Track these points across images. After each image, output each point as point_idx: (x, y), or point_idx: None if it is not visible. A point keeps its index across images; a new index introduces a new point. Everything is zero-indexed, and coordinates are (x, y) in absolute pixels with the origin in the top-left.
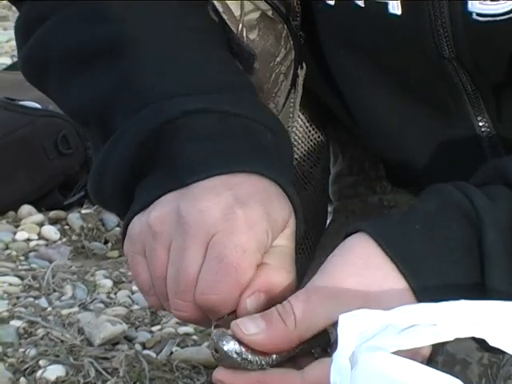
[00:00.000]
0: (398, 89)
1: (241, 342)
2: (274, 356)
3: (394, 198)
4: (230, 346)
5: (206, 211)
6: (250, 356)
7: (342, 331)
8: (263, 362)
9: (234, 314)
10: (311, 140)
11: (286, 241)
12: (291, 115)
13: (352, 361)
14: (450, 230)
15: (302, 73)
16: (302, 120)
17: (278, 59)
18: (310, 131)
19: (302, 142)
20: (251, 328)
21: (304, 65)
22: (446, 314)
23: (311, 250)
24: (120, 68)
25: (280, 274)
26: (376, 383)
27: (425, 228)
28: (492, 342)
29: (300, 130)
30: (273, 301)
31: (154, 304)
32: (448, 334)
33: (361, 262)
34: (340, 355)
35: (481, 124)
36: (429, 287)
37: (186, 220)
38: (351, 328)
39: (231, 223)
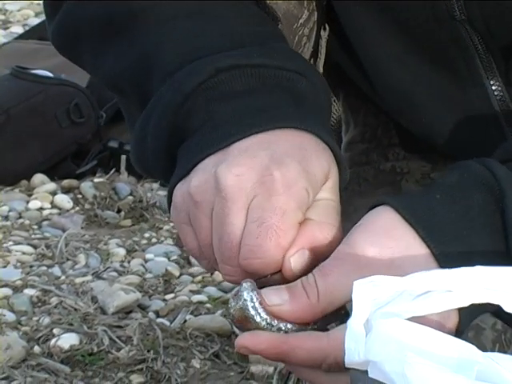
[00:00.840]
0: (412, 50)
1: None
2: (298, 325)
3: (406, 164)
4: (257, 311)
5: (243, 176)
6: (274, 321)
7: (356, 298)
8: (286, 328)
9: (279, 273)
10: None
11: (328, 193)
12: None
13: (366, 327)
14: (471, 199)
15: (324, 34)
16: None
17: (301, 21)
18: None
19: None
20: (275, 299)
21: (327, 26)
22: (461, 280)
23: None
24: (152, 33)
25: (324, 229)
26: (390, 349)
27: (446, 197)
28: (507, 308)
29: None
30: (319, 256)
31: (207, 267)
32: (463, 300)
33: (383, 232)
34: (354, 322)
35: (494, 88)
36: (451, 254)
37: (223, 186)
38: (365, 295)
39: (268, 185)
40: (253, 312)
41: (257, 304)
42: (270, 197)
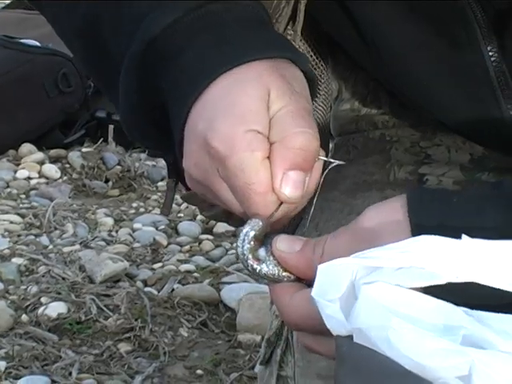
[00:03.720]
0: (410, 13)
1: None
2: (293, 277)
3: (396, 132)
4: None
5: (197, 162)
6: (264, 267)
7: (319, 282)
8: (288, 279)
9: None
10: (314, 69)
11: (276, 104)
12: (292, 42)
13: (348, 300)
14: (488, 211)
15: None
16: (302, 49)
17: None
18: (313, 60)
19: None
20: (284, 246)
21: None
22: (444, 254)
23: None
24: None
25: (289, 142)
26: (375, 315)
27: (460, 201)
28: (493, 285)
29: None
30: (308, 165)
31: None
32: (444, 277)
33: (385, 213)
34: (324, 304)
35: (490, 54)
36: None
37: (193, 177)
38: (334, 275)
39: (217, 157)
40: (239, 243)
41: (246, 239)
42: (224, 164)
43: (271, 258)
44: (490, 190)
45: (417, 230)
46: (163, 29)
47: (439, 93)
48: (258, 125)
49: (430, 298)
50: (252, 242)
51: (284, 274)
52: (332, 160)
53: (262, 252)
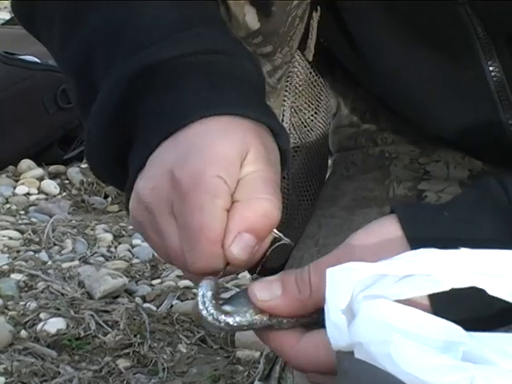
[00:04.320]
0: (410, 29)
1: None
2: (285, 320)
3: (395, 149)
4: (205, 306)
5: (156, 187)
6: (231, 318)
7: (330, 286)
8: (278, 323)
9: (229, 265)
10: (313, 86)
11: (252, 166)
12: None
13: (349, 310)
14: (481, 226)
15: (316, 16)
16: (302, 65)
17: (295, 2)
18: (312, 76)
19: (304, 87)
20: (265, 295)
21: (319, 8)
22: (444, 263)
23: (313, 198)
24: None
25: (253, 205)
26: (376, 330)
27: (453, 218)
28: (491, 292)
29: (302, 73)
30: (264, 233)
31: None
32: (447, 284)
33: (381, 239)
34: (331, 310)
35: (491, 68)
36: None
37: (146, 203)
38: (342, 281)
39: (178, 189)
40: (201, 307)
41: (206, 300)
42: (183, 199)
43: (240, 307)
44: (479, 196)
45: (414, 243)
46: (167, 59)
47: (438, 107)
48: (227, 175)
49: (429, 315)
50: (214, 301)
51: (256, 317)
52: (284, 238)
53: (227, 307)
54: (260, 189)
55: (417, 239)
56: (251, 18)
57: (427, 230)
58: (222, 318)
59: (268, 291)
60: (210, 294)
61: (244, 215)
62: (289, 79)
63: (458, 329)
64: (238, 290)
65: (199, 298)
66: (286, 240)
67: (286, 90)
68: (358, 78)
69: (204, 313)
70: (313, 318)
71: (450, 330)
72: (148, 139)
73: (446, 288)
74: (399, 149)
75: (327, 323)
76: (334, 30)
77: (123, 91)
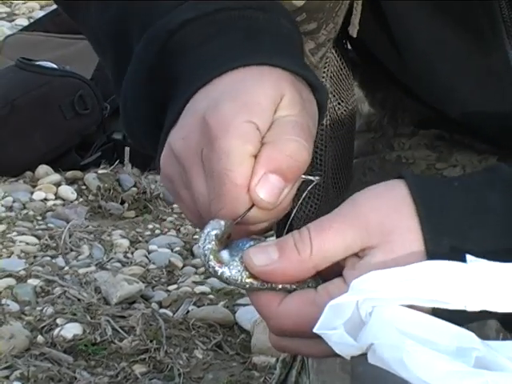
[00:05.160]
0: (437, 11)
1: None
2: (280, 286)
3: (412, 154)
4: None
5: (187, 137)
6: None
7: (324, 317)
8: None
9: (252, 207)
10: (343, 78)
11: (285, 111)
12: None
13: (351, 323)
14: (488, 199)
15: None
16: (332, 58)
17: None
18: (342, 68)
19: (336, 79)
20: (262, 260)
21: None
22: (454, 282)
23: (342, 191)
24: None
25: (283, 147)
26: (389, 336)
27: (463, 188)
28: (503, 310)
29: (335, 65)
30: (292, 176)
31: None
32: (452, 304)
33: (390, 203)
34: (329, 335)
35: None
36: (443, 246)
37: (177, 153)
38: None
39: (208, 135)
40: (200, 243)
41: (207, 238)
42: (212, 145)
43: (235, 262)
44: (490, 174)
45: (421, 208)
46: (206, 13)
47: (462, 89)
48: (259, 120)
49: (441, 320)
50: (213, 243)
51: (248, 280)
52: (312, 178)
53: (224, 255)
54: (289, 131)
55: (424, 204)
56: None
57: (435, 197)
58: (212, 264)
59: (264, 255)
60: (213, 233)
61: (270, 156)
62: (326, 65)
63: (471, 335)
64: None
65: (202, 234)
66: (315, 179)
67: (323, 77)
68: (385, 61)
69: (199, 250)
70: (308, 283)
71: (463, 336)
72: (183, 91)
73: (450, 307)
74: (416, 154)
75: (331, 345)
76: (366, 13)
77: (160, 48)
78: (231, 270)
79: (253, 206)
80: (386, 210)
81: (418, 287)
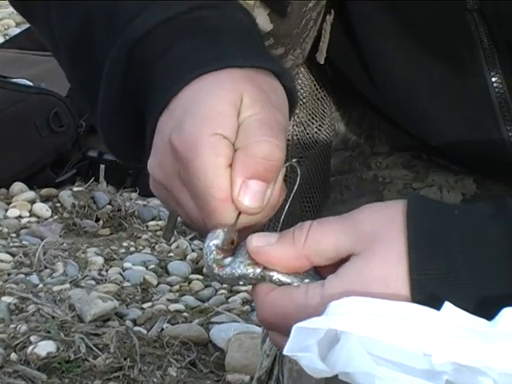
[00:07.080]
0: (415, 38)
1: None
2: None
3: (389, 173)
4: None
5: (161, 161)
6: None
7: (292, 340)
8: (272, 278)
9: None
10: (317, 99)
11: (248, 111)
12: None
13: (325, 341)
14: (487, 232)
15: (329, 19)
16: (306, 78)
17: (311, 5)
18: (316, 89)
19: (308, 99)
20: (260, 241)
21: (332, 11)
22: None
23: (317, 211)
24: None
25: (251, 150)
26: (359, 362)
27: (460, 217)
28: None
29: (307, 86)
30: (271, 175)
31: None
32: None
33: (387, 216)
34: (298, 357)
35: (494, 79)
36: (427, 274)
37: (158, 180)
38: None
39: (178, 157)
40: (204, 257)
41: (208, 250)
42: (187, 167)
43: (238, 259)
44: (494, 209)
45: (413, 235)
46: (147, 31)
47: (440, 116)
48: (224, 129)
49: (413, 342)
50: (214, 252)
51: (250, 267)
52: (291, 163)
53: (227, 260)
54: (256, 132)
55: (414, 223)
56: (263, 20)
57: (432, 218)
58: (216, 271)
59: (264, 238)
60: (212, 243)
61: (244, 163)
62: (298, 88)
63: (430, 310)
64: (228, 313)
65: (203, 250)
66: (293, 163)
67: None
68: (359, 86)
69: (205, 264)
70: (306, 277)
71: (423, 311)
72: (151, 113)
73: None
74: (393, 173)
75: (303, 367)
76: (340, 38)
77: (125, 64)
78: (235, 266)
79: (240, 213)
80: (380, 222)
81: (389, 328)
